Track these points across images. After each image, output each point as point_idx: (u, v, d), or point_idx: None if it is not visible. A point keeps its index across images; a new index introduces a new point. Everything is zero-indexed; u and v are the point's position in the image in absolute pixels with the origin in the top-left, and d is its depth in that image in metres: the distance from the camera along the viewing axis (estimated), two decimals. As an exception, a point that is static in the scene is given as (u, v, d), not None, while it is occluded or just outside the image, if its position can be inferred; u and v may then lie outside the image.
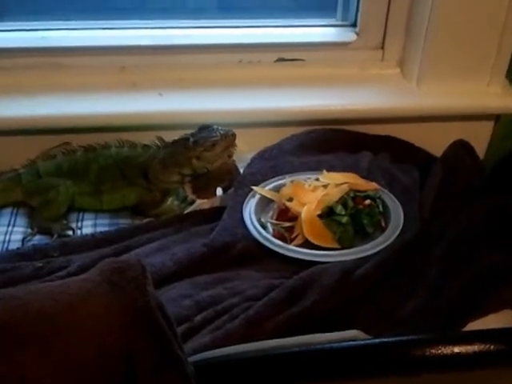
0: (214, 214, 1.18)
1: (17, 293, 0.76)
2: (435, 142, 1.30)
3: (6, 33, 1.37)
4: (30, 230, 1.17)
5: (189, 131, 1.21)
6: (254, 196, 1.19)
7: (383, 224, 1.13)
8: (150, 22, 1.40)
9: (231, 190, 1.22)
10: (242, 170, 1.25)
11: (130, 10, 1.42)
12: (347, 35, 1.42)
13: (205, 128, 1.20)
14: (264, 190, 1.20)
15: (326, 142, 1.32)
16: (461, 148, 1.24)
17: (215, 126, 1.20)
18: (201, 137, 1.19)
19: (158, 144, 1.23)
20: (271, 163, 1.27)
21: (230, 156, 1.21)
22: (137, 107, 1.30)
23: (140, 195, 1.22)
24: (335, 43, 1.42)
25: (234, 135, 1.18)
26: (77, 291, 0.75)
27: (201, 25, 1.41)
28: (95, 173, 1.22)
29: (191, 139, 1.19)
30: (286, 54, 1.40)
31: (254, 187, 1.20)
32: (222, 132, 1.18)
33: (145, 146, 1.23)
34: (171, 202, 1.24)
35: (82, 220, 1.21)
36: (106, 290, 0.75)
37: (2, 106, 1.28)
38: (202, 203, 1.23)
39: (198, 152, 1.18)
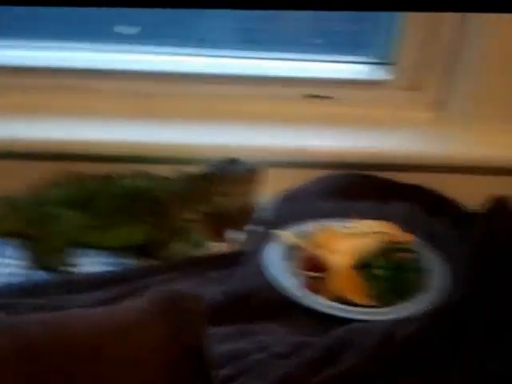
0: (231, 259, 1.08)
1: (57, 317, 0.72)
2: (471, 195, 1.18)
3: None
4: (28, 264, 1.06)
5: (209, 165, 1.12)
6: (277, 241, 1.08)
7: (423, 280, 1.02)
8: (172, 49, 1.33)
9: (251, 233, 1.12)
10: (263, 211, 1.16)
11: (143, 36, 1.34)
12: (380, 73, 1.33)
13: (227, 163, 1.12)
14: (290, 234, 1.09)
15: (354, 187, 1.22)
16: (502, 206, 1.13)
17: (239, 161, 1.11)
18: (223, 172, 1.11)
19: (175, 177, 1.13)
20: (296, 206, 1.17)
21: (251, 194, 1.12)
22: (155, 137, 1.21)
23: (148, 233, 1.11)
24: (367, 81, 1.34)
25: (257, 172, 1.10)
26: (122, 319, 0.70)
27: (226, 55, 1.34)
28: (102, 205, 1.11)
29: (213, 173, 1.11)
30: (314, 91, 1.31)
31: (278, 231, 1.09)
32: (245, 168, 1.11)
33: (160, 178, 1.13)
34: (181, 243, 1.12)
35: (84, 256, 1.09)
36: (154, 320, 0.69)
37: (6, 126, 1.20)
38: (216, 246, 1.13)
39: (219, 187, 1.10)
